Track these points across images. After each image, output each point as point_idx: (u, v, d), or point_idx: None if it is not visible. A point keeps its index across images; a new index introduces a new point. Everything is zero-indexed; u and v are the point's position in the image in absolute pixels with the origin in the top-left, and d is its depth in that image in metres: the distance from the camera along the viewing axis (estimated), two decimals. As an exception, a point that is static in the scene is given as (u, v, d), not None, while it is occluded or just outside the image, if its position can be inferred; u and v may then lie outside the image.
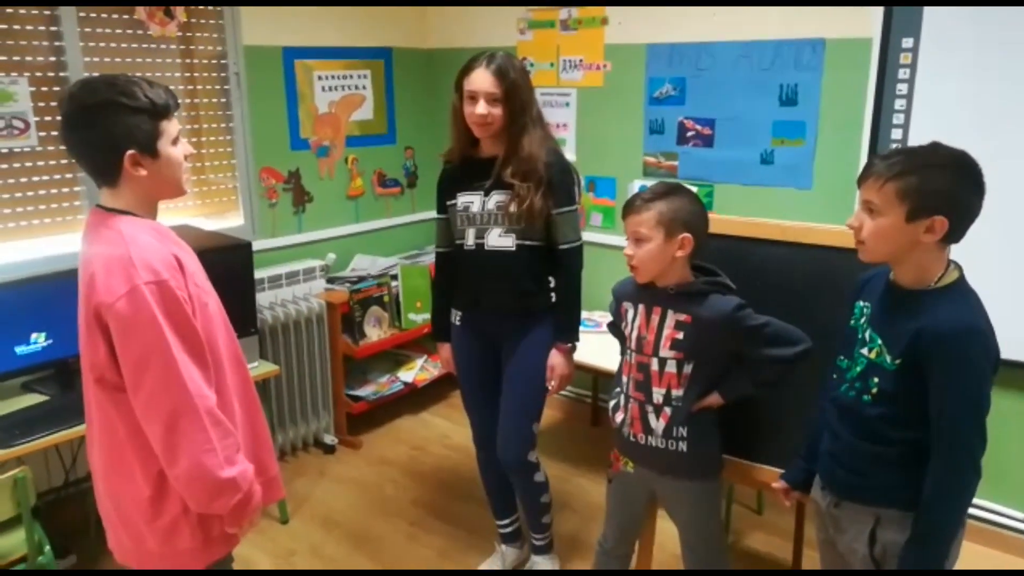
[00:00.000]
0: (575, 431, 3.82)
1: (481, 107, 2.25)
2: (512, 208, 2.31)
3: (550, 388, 2.46)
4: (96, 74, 1.82)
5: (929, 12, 2.64)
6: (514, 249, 2.35)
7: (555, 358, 2.44)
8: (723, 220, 2.19)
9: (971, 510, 2.74)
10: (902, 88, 2.75)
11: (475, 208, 2.38)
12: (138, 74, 1.62)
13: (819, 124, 3.03)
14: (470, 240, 2.40)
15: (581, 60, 3.61)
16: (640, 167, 3.52)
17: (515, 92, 2.27)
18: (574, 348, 2.46)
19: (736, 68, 3.17)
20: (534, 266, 2.40)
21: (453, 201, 2.43)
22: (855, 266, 1.98)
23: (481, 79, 2.25)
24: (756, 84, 3.13)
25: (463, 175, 2.41)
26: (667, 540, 2.48)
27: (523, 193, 2.28)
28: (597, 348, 2.73)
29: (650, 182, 3.47)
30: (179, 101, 1.63)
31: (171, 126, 1.58)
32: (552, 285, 2.46)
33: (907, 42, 2.71)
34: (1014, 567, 2.78)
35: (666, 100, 3.39)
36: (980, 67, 2.58)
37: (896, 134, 2.78)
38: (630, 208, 1.97)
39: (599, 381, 3.81)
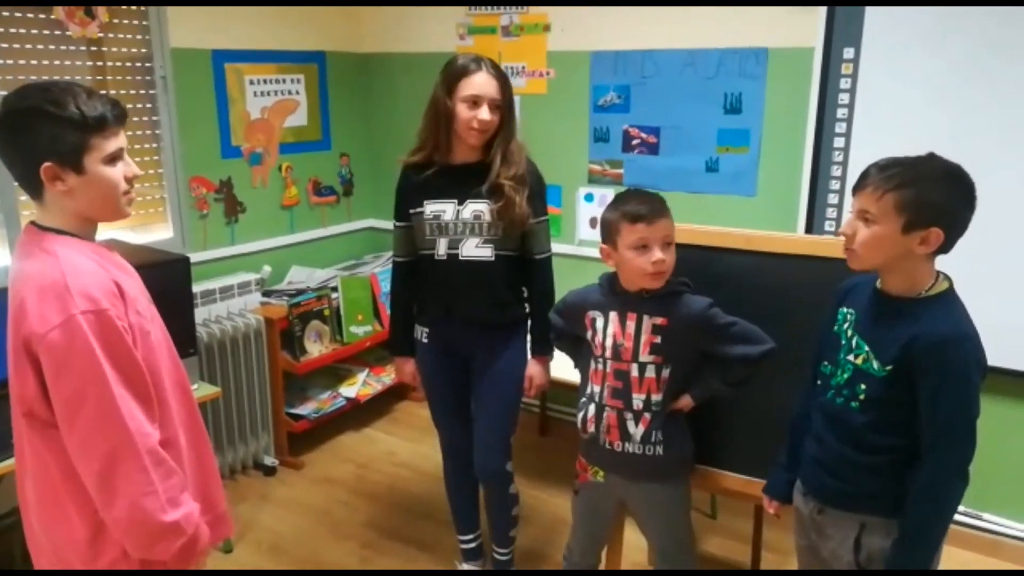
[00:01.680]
0: (524, 441, 3.74)
1: (486, 113, 2.19)
2: (488, 218, 2.26)
3: (527, 394, 2.46)
4: (51, 78, 1.66)
5: (869, 22, 2.72)
6: (493, 259, 2.30)
7: (534, 368, 2.44)
8: (687, 230, 2.19)
9: (959, 516, 2.84)
10: (844, 97, 2.82)
11: (448, 217, 2.30)
12: (65, 77, 1.48)
13: (763, 132, 3.08)
14: (441, 250, 2.32)
15: (524, 67, 3.57)
16: (585, 175, 3.51)
17: (511, 98, 2.27)
18: (552, 358, 2.45)
19: (681, 76, 3.19)
20: (511, 277, 2.37)
21: (419, 209, 2.33)
22: (820, 274, 2.03)
23: (487, 84, 2.20)
24: (701, 92, 3.16)
25: (431, 182, 2.32)
26: (631, 548, 2.45)
27: (516, 198, 2.24)
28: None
29: (596, 190, 3.49)
30: (124, 113, 1.48)
31: (107, 142, 1.43)
32: (526, 296, 2.43)
33: (848, 52, 2.78)
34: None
35: (611, 108, 3.38)
36: (919, 76, 2.67)
37: (839, 142, 2.85)
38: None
39: (547, 391, 3.76)
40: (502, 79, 2.23)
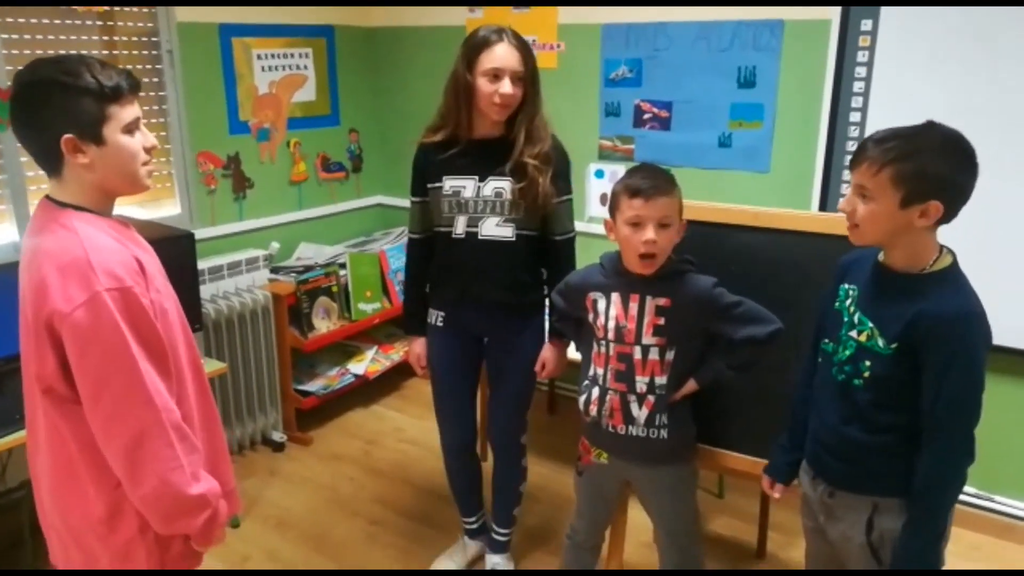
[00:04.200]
0: (532, 420, 3.69)
1: (508, 86, 2.11)
2: (510, 197, 2.20)
3: (539, 376, 2.42)
4: (55, 52, 1.65)
5: (888, -6, 2.65)
6: (514, 239, 2.24)
7: (549, 353, 2.38)
8: (695, 206, 2.15)
9: (970, 499, 2.82)
10: (861, 71, 2.75)
11: (467, 194, 2.23)
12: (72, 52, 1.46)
13: (777, 106, 3.01)
14: (459, 228, 2.26)
15: (534, 40, 3.50)
16: (596, 151, 3.46)
17: (535, 71, 2.19)
18: (569, 343, 2.38)
19: (693, 49, 3.13)
20: (530, 257, 2.31)
21: (438, 184, 2.27)
22: (827, 251, 2.00)
23: (509, 56, 2.12)
24: (714, 66, 3.10)
25: (451, 157, 2.24)
26: (635, 528, 2.44)
27: (540, 178, 2.18)
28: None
29: (606, 166, 3.44)
30: (138, 83, 1.46)
31: (124, 112, 1.41)
32: (544, 277, 2.37)
33: (866, 24, 2.71)
34: (1010, 554, 2.79)
35: (622, 82, 3.32)
36: (938, 49, 2.60)
37: (855, 117, 2.79)
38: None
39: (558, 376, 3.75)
40: (525, 50, 2.15)
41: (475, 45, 2.14)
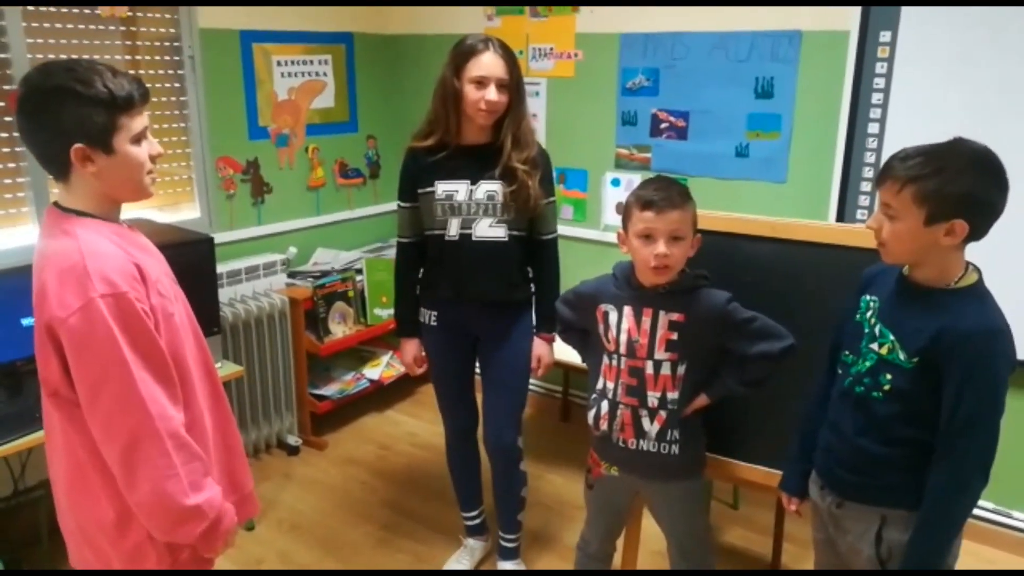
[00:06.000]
0: (545, 426, 3.77)
1: (493, 93, 2.18)
2: (502, 199, 2.26)
3: (536, 374, 2.46)
4: (68, 57, 1.66)
5: (908, 5, 2.63)
6: (506, 240, 2.30)
7: (541, 348, 2.45)
8: (711, 216, 2.15)
9: (988, 514, 2.77)
10: (879, 82, 2.74)
11: (460, 197, 2.28)
12: (94, 57, 1.47)
13: (795, 117, 3.01)
14: (453, 230, 2.31)
15: (551, 49, 3.53)
16: (612, 159, 3.47)
17: (520, 78, 2.25)
18: (555, 337, 2.43)
19: (711, 59, 3.13)
20: (521, 257, 2.38)
21: (430, 189, 2.32)
22: (844, 262, 1.99)
23: (494, 64, 2.18)
24: (731, 76, 3.10)
25: (441, 162, 2.30)
26: (648, 538, 2.43)
27: (529, 181, 2.24)
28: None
29: (623, 175, 3.44)
30: (148, 92, 1.47)
31: (134, 121, 1.42)
32: (531, 276, 2.44)
33: (885, 35, 2.70)
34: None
35: (639, 91, 3.33)
36: (958, 61, 2.59)
37: (873, 128, 2.78)
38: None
39: (570, 376, 3.76)
40: (510, 59, 2.22)
41: (462, 53, 2.21)
